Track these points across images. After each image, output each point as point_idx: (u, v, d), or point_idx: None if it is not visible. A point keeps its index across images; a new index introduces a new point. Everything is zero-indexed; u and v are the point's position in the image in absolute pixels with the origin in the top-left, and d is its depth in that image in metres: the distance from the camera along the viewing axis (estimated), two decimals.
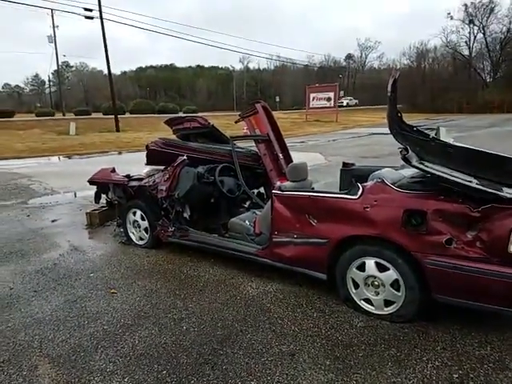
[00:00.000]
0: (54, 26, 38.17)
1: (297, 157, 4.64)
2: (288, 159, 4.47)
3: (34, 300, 3.03)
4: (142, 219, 4.11)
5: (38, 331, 2.58)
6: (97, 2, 21.53)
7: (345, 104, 49.56)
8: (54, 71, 54.81)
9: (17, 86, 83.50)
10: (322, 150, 12.99)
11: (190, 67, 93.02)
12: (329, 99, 32.14)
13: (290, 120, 30.14)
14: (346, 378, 2.05)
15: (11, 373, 2.17)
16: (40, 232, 4.87)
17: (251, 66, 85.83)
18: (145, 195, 4.05)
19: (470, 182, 2.20)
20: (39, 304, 2.96)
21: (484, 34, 48.16)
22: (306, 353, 2.27)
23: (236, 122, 5.17)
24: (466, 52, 50.70)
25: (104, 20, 21.97)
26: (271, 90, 72.78)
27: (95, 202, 4.88)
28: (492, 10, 46.81)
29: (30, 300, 3.03)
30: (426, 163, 2.33)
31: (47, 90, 72.48)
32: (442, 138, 2.50)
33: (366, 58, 78.76)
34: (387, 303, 2.57)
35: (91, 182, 4.66)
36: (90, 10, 22.48)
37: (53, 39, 38.58)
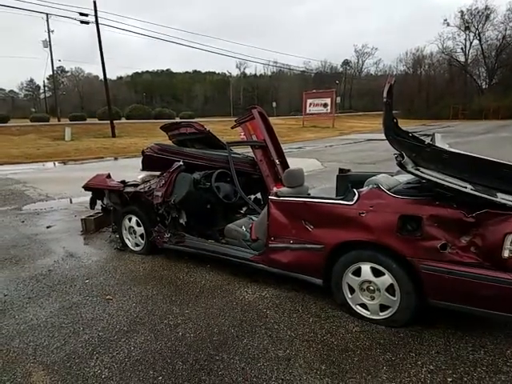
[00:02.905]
0: (49, 31, 38.19)
1: (293, 162, 4.67)
2: (284, 165, 4.50)
3: (28, 306, 3.01)
4: (138, 225, 4.10)
5: (32, 338, 2.56)
6: (93, 7, 21.63)
7: None
8: (49, 76, 54.75)
9: (11, 91, 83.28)
10: (319, 156, 13.05)
11: (186, 72, 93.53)
12: (325, 105, 32.40)
13: (286, 126, 30.29)
14: (342, 383, 2.05)
15: (5, 380, 2.14)
16: (35, 238, 4.84)
17: (248, 71, 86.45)
18: (140, 201, 4.04)
19: (465, 187, 2.22)
20: (34, 310, 2.94)
21: (480, 40, 48.89)
22: (301, 357, 2.27)
23: (232, 128, 5.19)
24: (461, 58, 51.48)
25: (100, 25, 22.08)
26: (268, 95, 73.20)
27: (90, 208, 4.86)
28: (488, 16, 47.62)
29: (25, 306, 3.01)
30: (422, 169, 2.36)
31: (42, 96, 72.38)
32: (437, 144, 2.53)
33: (362, 64, 79.68)
34: (383, 308, 2.58)
35: (86, 187, 4.65)
36: (86, 15, 22.51)
37: (48, 44, 38.55)
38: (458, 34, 50.63)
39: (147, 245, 4.07)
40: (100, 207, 4.79)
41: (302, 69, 70.44)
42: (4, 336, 2.59)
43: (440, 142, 2.81)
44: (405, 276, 2.43)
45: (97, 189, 4.57)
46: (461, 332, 2.48)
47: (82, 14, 22.52)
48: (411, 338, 2.43)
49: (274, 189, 3.80)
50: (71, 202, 7.04)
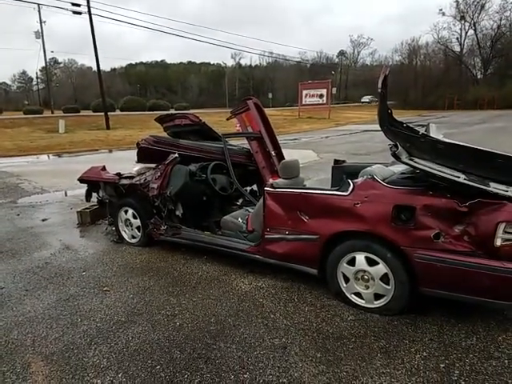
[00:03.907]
0: (40, 22, 37.56)
1: (289, 154, 4.67)
2: (280, 156, 4.50)
3: (25, 299, 3.02)
4: (134, 217, 4.10)
5: (30, 329, 2.58)
6: None
7: (368, 101, 55.50)
8: (42, 68, 54.05)
9: (3, 83, 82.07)
10: (315, 147, 13.05)
11: (181, 63, 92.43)
12: (321, 96, 32.26)
13: (282, 117, 30.16)
14: (337, 370, 2.09)
15: (4, 370, 2.17)
16: (30, 231, 4.83)
17: (243, 62, 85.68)
18: (136, 193, 4.04)
19: (458, 177, 2.25)
20: (31, 303, 2.95)
21: (475, 30, 48.62)
22: (297, 346, 2.31)
23: (228, 119, 5.18)
24: (457, 48, 51.19)
25: (93, 16, 21.71)
26: (264, 86, 72.74)
27: (86, 201, 4.85)
28: (483, 6, 47.29)
29: (22, 299, 3.02)
30: (416, 159, 2.37)
31: (35, 88, 71.37)
32: (431, 135, 2.54)
33: (358, 54, 79.15)
34: (377, 297, 2.62)
35: (81, 180, 4.63)
36: (78, 5, 22.10)
37: (40, 35, 37.95)
38: (454, 24, 50.38)
39: (144, 237, 4.08)
40: (96, 200, 4.78)
41: (297, 59, 69.90)
42: (2, 328, 2.60)
43: (434, 133, 2.83)
44: (399, 265, 2.47)
45: (92, 181, 4.56)
46: (454, 319, 2.53)
47: (74, 5, 22.10)
48: (405, 325, 2.48)
49: (270, 180, 3.81)
50: (66, 195, 7.01)
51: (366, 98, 57.99)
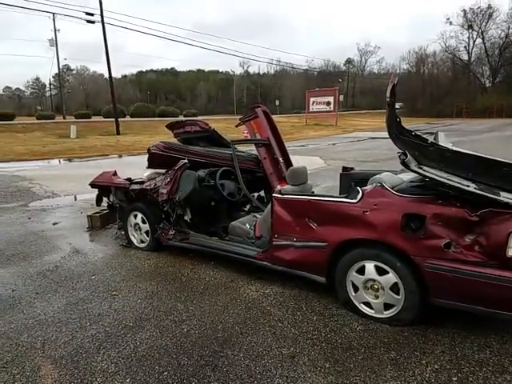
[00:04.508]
0: (55, 30, 38.41)
1: (297, 160, 4.68)
2: (288, 163, 4.51)
3: (36, 302, 3.05)
4: (143, 222, 4.13)
5: (40, 332, 2.60)
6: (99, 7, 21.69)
7: (398, 107, 54.42)
8: (55, 74, 55.05)
9: (17, 89, 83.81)
10: (322, 154, 13.04)
11: (190, 71, 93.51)
12: (328, 103, 32.35)
13: (289, 124, 30.25)
14: (346, 381, 2.06)
15: (15, 373, 2.18)
16: (41, 234, 4.89)
17: (251, 70, 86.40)
18: (146, 198, 4.08)
19: (468, 186, 2.23)
20: (41, 306, 2.98)
21: (483, 39, 48.52)
22: (305, 355, 2.29)
23: (237, 126, 5.23)
24: (465, 57, 51.10)
25: (105, 24, 22.14)
26: (271, 94, 73.16)
27: (97, 205, 4.90)
28: (490, 15, 47.30)
29: (32, 302, 3.05)
30: (425, 167, 2.36)
31: (48, 94, 72.76)
32: (440, 143, 2.53)
33: (365, 62, 79.32)
34: (387, 307, 2.59)
35: (93, 185, 4.69)
36: (92, 15, 22.61)
37: (54, 43, 38.77)
38: (461, 33, 50.36)
39: (152, 241, 4.10)
40: (106, 204, 4.83)
41: (305, 67, 70.30)
42: (13, 330, 2.63)
43: (443, 141, 2.81)
44: (409, 275, 2.44)
45: (103, 186, 4.61)
46: (466, 332, 2.48)
47: (88, 14, 22.61)
48: (416, 336, 2.44)
49: (278, 187, 3.82)
50: (76, 199, 7.10)
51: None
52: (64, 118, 36.27)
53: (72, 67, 77.22)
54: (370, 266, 2.59)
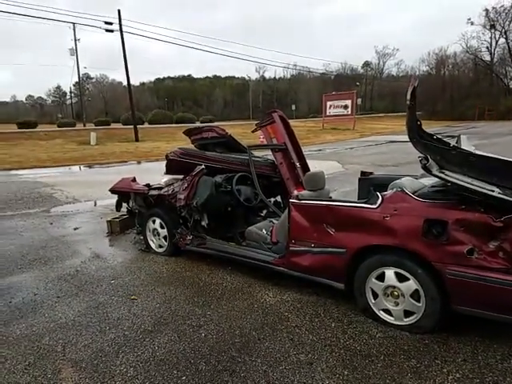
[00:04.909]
0: (75, 39, 39.70)
1: (314, 165, 4.65)
2: (305, 168, 4.50)
3: (57, 305, 3.12)
4: (162, 227, 4.19)
5: (61, 336, 2.65)
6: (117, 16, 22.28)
7: None
8: (76, 83, 56.58)
9: (39, 98, 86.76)
10: (340, 158, 12.92)
11: (206, 77, 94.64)
12: (346, 107, 32.04)
13: (306, 128, 30.15)
14: None
15: (36, 375, 2.24)
16: (62, 239, 5.01)
17: (267, 74, 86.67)
18: (164, 204, 4.13)
19: (492, 191, 2.16)
20: (62, 309, 3.05)
21: (506, 38, 47.02)
22: (323, 362, 2.26)
23: (253, 132, 5.24)
24: (487, 58, 49.65)
25: (124, 33, 22.69)
26: (287, 98, 73.07)
27: (116, 210, 5.00)
28: None
29: (54, 305, 3.12)
30: (447, 172, 2.31)
31: (68, 101, 74.96)
32: (463, 147, 2.47)
33: (383, 65, 78.27)
34: (407, 314, 2.53)
35: (113, 191, 4.79)
36: (110, 24, 23.21)
37: (74, 52, 40.05)
38: (483, 33, 48.91)
39: (170, 246, 4.15)
40: (125, 210, 4.92)
41: (321, 71, 70.02)
42: (35, 333, 2.70)
43: (466, 144, 2.75)
44: (430, 281, 2.38)
45: (123, 192, 4.70)
46: (488, 340, 2.40)
47: (106, 23, 23.24)
48: (436, 344, 2.38)
49: (295, 192, 3.80)
50: (96, 205, 7.25)
51: None
52: (84, 126, 37.26)
53: (92, 75, 79.40)
54: (389, 273, 2.54)
